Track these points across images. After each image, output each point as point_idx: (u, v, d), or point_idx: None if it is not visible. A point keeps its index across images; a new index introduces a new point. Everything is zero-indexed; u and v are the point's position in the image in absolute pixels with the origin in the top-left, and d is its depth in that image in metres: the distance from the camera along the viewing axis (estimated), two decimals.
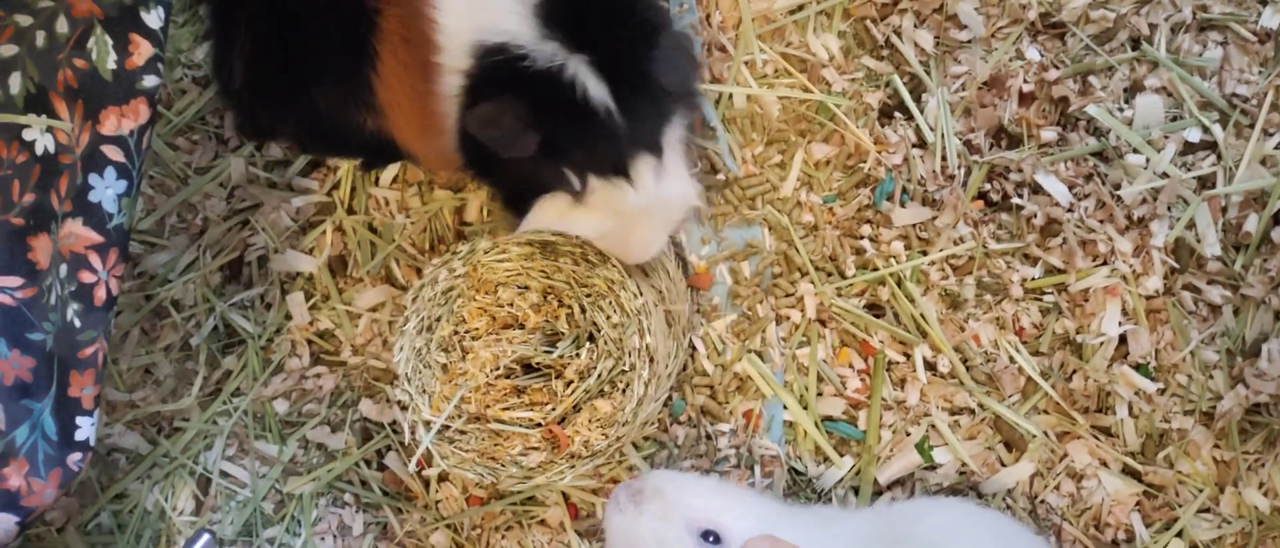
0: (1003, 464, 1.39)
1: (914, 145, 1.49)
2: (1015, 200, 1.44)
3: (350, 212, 1.57)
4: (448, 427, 1.30)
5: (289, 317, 1.54)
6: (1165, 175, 1.40)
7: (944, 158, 1.47)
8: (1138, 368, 1.37)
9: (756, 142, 1.52)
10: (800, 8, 1.56)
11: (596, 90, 1.12)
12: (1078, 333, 1.39)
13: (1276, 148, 1.39)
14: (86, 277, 1.19)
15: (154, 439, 1.51)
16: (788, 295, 1.47)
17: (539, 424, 1.28)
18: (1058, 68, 1.48)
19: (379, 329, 1.52)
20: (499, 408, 1.30)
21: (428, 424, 1.30)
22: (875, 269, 1.45)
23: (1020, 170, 1.44)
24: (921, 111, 1.50)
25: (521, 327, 1.34)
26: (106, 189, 1.18)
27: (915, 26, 1.54)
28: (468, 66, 1.15)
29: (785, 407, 1.43)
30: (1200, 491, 1.34)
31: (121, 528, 1.47)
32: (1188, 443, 1.35)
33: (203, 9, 1.32)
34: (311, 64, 1.23)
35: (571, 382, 1.28)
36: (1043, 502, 1.37)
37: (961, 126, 1.49)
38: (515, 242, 1.32)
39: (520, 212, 1.27)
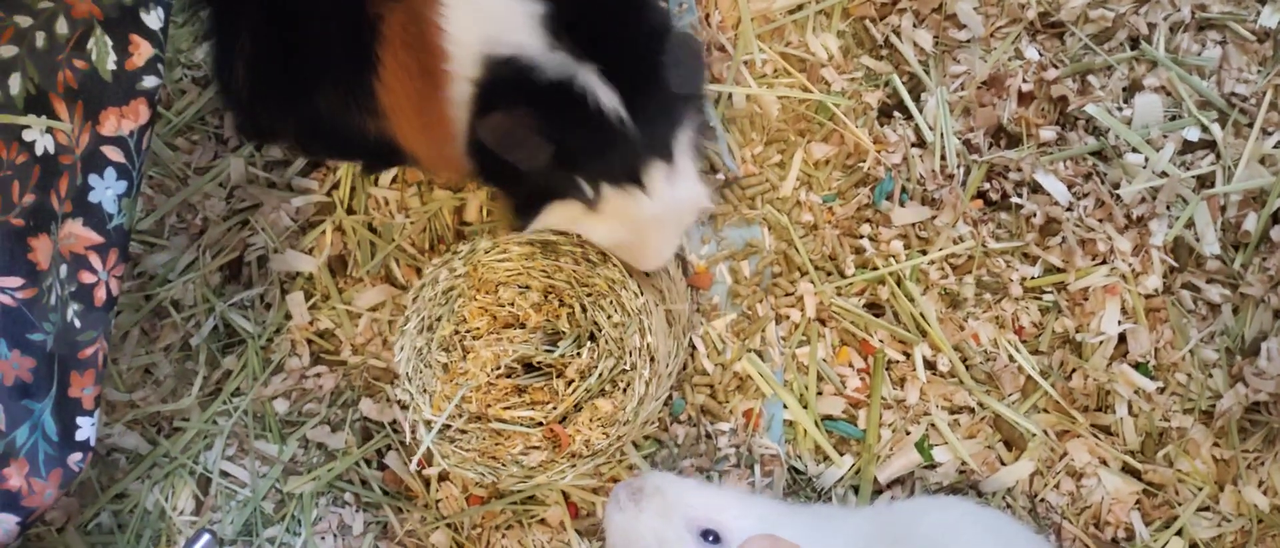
0: (1002, 463, 1.39)
1: (913, 145, 1.49)
2: (1014, 200, 1.44)
3: (350, 211, 1.57)
4: (448, 426, 1.30)
5: (289, 317, 1.54)
6: (1164, 174, 1.41)
7: (943, 157, 1.48)
8: (1137, 367, 1.37)
9: (756, 141, 1.53)
10: (799, 7, 1.56)
11: (608, 99, 1.12)
12: (1077, 332, 1.39)
13: (1275, 147, 1.40)
14: (87, 277, 1.19)
15: (154, 439, 1.51)
16: (787, 295, 1.47)
17: (540, 423, 1.29)
18: (1057, 67, 1.48)
19: (379, 329, 1.52)
20: (500, 407, 1.30)
21: (429, 424, 1.30)
22: (875, 268, 1.45)
23: (1019, 170, 1.44)
24: (921, 111, 1.50)
25: (522, 326, 1.34)
26: (106, 190, 1.18)
27: (914, 26, 1.54)
28: (478, 76, 1.15)
29: (785, 406, 1.43)
30: (1200, 489, 1.34)
31: (122, 528, 1.47)
32: (1187, 442, 1.35)
33: (203, 10, 1.32)
34: (312, 67, 1.23)
35: (572, 381, 1.29)
36: (1042, 501, 1.37)
37: (961, 126, 1.49)
38: (516, 241, 1.32)
39: (530, 216, 1.27)
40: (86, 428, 1.21)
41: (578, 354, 1.29)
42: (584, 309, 1.31)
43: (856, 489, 1.40)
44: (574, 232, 1.29)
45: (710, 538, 1.11)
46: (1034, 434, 1.38)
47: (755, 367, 1.44)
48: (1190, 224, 1.40)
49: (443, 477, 1.45)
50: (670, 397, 1.43)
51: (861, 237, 1.47)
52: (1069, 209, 1.42)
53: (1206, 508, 1.34)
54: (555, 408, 1.28)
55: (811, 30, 1.56)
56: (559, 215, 1.24)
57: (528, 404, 1.30)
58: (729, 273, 1.49)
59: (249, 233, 1.57)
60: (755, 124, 1.53)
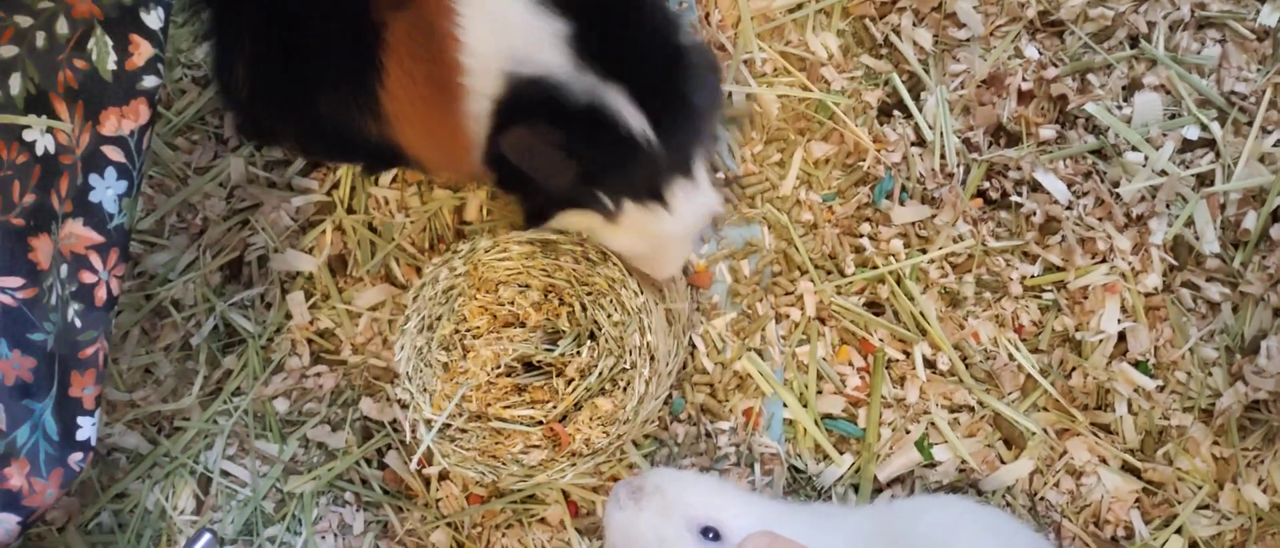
0: (1002, 462, 1.39)
1: (913, 143, 1.49)
2: (1014, 198, 1.44)
3: (350, 211, 1.57)
4: (449, 425, 1.30)
5: (289, 316, 1.54)
6: (1164, 173, 1.41)
7: (943, 156, 1.48)
8: (1137, 365, 1.38)
9: (756, 140, 1.53)
10: (799, 6, 1.56)
11: (636, 121, 1.12)
12: (1077, 330, 1.40)
13: (1275, 145, 1.40)
14: (87, 277, 1.19)
15: (154, 439, 1.51)
16: (787, 294, 1.47)
17: (540, 422, 1.29)
18: (1056, 66, 1.48)
19: (379, 328, 1.52)
20: (500, 406, 1.30)
21: (429, 423, 1.30)
22: (875, 267, 1.45)
23: (1019, 168, 1.45)
24: (920, 110, 1.50)
25: (522, 325, 1.34)
26: (107, 189, 1.18)
27: (914, 25, 1.54)
28: (499, 92, 1.14)
29: (785, 405, 1.43)
30: (1199, 487, 1.34)
31: (122, 528, 1.47)
32: (1187, 440, 1.35)
33: (204, 10, 1.31)
34: (313, 68, 1.23)
35: (572, 380, 1.29)
36: (1042, 499, 1.37)
37: (960, 125, 1.49)
38: (516, 240, 1.32)
39: (544, 222, 1.27)
40: (87, 428, 1.21)
41: (578, 353, 1.30)
42: (584, 308, 1.31)
43: (856, 488, 1.40)
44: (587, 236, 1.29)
45: (710, 536, 1.11)
46: (1034, 433, 1.38)
47: (755, 365, 1.44)
48: (1190, 222, 1.40)
49: (443, 476, 1.46)
50: (670, 396, 1.43)
51: (861, 236, 1.47)
52: (1069, 208, 1.43)
53: (1206, 506, 1.34)
54: (555, 407, 1.28)
55: (811, 29, 1.56)
56: (575, 223, 1.25)
57: (528, 403, 1.30)
58: (729, 272, 1.49)
59: (249, 233, 1.57)
60: (755, 123, 1.53)
